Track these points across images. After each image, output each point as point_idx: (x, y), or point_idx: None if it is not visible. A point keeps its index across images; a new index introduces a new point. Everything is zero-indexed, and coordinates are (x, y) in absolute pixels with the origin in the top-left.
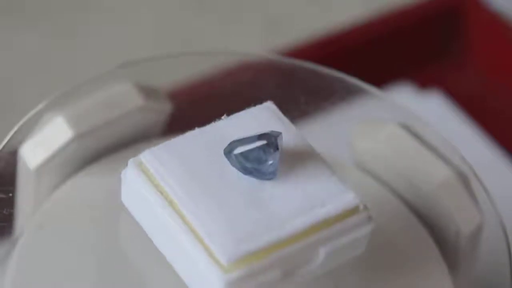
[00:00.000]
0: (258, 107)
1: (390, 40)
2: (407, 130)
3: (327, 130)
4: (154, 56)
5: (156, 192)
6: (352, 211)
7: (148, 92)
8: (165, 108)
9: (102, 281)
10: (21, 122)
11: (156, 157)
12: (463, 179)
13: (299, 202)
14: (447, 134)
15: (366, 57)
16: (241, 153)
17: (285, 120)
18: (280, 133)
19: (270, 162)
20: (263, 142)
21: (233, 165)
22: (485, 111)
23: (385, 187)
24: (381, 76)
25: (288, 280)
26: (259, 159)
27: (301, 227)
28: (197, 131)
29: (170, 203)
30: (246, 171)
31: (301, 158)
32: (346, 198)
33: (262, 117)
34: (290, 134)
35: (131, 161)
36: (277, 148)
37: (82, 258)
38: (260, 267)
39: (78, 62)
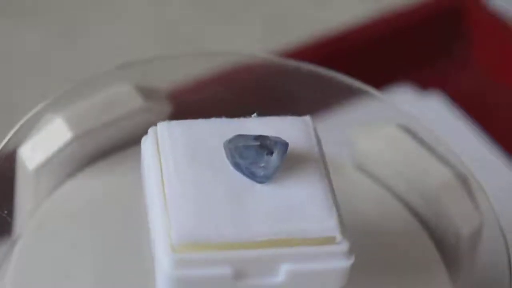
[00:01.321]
0: (295, 117)
1: (391, 41)
2: (407, 132)
3: (327, 131)
4: (153, 56)
5: (156, 161)
6: (328, 239)
7: (147, 93)
8: (164, 109)
9: (101, 281)
10: (20, 123)
11: (169, 129)
12: (463, 181)
13: (278, 210)
14: (447, 136)
15: (366, 58)
16: (236, 148)
17: (313, 136)
18: (284, 142)
19: (262, 164)
20: (258, 143)
21: (227, 158)
22: (486, 112)
23: (385, 188)
24: (382, 77)
25: (240, 285)
26: (252, 159)
27: (266, 235)
28: (221, 120)
29: (161, 174)
30: (236, 166)
31: (304, 169)
32: (325, 225)
33: (291, 127)
34: (310, 148)
35: (151, 128)
36: (271, 153)
37: (81, 258)
38: (211, 260)
39: (78, 63)
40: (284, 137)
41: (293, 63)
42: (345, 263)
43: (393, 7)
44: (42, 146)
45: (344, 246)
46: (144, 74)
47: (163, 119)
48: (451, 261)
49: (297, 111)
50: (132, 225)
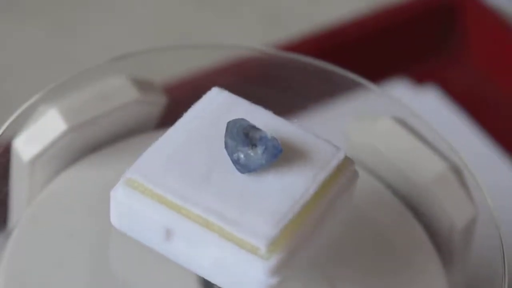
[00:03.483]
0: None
1: (387, 35)
2: (402, 125)
3: (323, 124)
4: (149, 49)
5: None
6: (253, 247)
7: (142, 85)
8: (159, 101)
9: (96, 272)
10: (15, 115)
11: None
12: (458, 174)
13: (234, 195)
14: (442, 129)
15: (362, 52)
16: (232, 128)
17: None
18: (274, 144)
19: (243, 154)
20: (246, 131)
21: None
22: (480, 105)
23: (380, 181)
24: (378, 71)
25: (169, 246)
26: (238, 144)
27: (203, 211)
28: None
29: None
30: (226, 146)
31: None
32: (259, 231)
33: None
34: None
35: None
36: (254, 146)
37: (76, 250)
38: (150, 207)
39: (75, 56)
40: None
41: (289, 56)
42: (264, 280)
43: (390, 1)
44: (37, 138)
45: (269, 263)
46: (139, 66)
47: (158, 111)
48: (445, 253)
49: (293, 104)
50: None
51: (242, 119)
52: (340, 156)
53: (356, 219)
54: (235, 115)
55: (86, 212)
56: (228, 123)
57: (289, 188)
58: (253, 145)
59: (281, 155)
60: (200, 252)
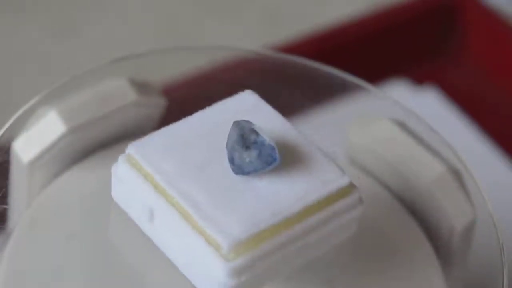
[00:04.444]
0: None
1: (386, 36)
2: (401, 126)
3: (322, 126)
4: (147, 51)
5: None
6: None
7: (141, 86)
8: (158, 103)
9: (94, 275)
10: (14, 117)
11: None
12: (457, 175)
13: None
14: (441, 130)
15: (361, 53)
16: (234, 130)
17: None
18: (269, 147)
19: (237, 154)
20: (241, 132)
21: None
22: (480, 107)
23: (379, 182)
24: (377, 72)
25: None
26: (234, 144)
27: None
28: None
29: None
30: (226, 146)
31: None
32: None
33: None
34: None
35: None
36: (247, 148)
37: (75, 251)
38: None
39: (75, 57)
40: (247, 116)
41: (288, 58)
42: (222, 280)
43: (389, 2)
44: (36, 139)
45: (229, 264)
46: (138, 68)
47: (157, 113)
48: (444, 255)
49: (292, 105)
50: (126, 219)
51: (248, 121)
52: (342, 182)
53: None
54: (252, 118)
55: (85, 213)
56: (234, 122)
57: (276, 199)
58: (247, 147)
59: (279, 165)
60: (175, 239)
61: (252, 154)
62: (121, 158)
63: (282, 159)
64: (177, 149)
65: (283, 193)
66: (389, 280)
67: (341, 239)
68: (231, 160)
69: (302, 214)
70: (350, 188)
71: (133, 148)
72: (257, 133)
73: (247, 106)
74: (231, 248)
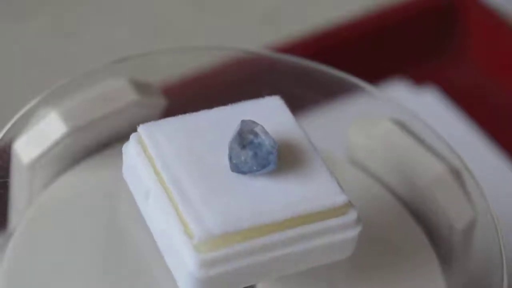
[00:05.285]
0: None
1: (386, 36)
2: (401, 126)
3: (322, 126)
4: (148, 51)
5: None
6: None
7: (142, 87)
8: (159, 103)
9: (96, 275)
10: (15, 117)
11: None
12: (457, 175)
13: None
14: (442, 130)
15: (361, 53)
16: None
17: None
18: (268, 148)
19: (235, 152)
20: (239, 131)
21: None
22: (480, 107)
23: (379, 183)
24: (377, 72)
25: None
26: (233, 144)
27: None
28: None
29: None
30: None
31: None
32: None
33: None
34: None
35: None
36: (244, 147)
37: (76, 252)
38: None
39: (74, 57)
40: (265, 121)
41: (287, 58)
42: (191, 270)
43: (389, 2)
44: (36, 140)
45: (199, 256)
46: (139, 68)
47: (157, 114)
48: (444, 255)
49: (291, 106)
50: (127, 218)
51: (254, 122)
52: (338, 200)
53: None
54: (267, 121)
55: (86, 214)
56: (241, 121)
57: (265, 202)
58: (243, 146)
59: (278, 170)
60: (160, 222)
61: (247, 153)
62: (133, 137)
63: (285, 166)
64: (184, 137)
65: (274, 198)
66: (389, 280)
67: (334, 259)
68: (230, 158)
69: (287, 223)
70: (346, 207)
71: (143, 129)
72: (256, 134)
73: (269, 110)
74: (202, 240)
